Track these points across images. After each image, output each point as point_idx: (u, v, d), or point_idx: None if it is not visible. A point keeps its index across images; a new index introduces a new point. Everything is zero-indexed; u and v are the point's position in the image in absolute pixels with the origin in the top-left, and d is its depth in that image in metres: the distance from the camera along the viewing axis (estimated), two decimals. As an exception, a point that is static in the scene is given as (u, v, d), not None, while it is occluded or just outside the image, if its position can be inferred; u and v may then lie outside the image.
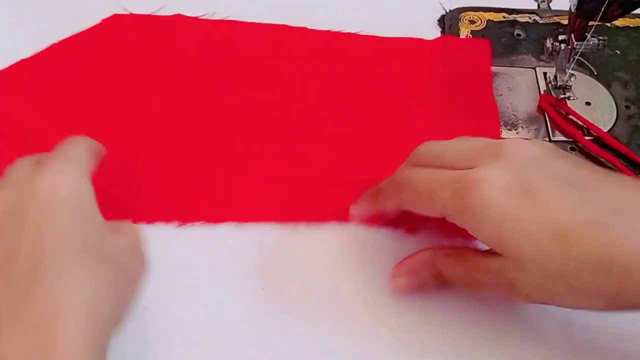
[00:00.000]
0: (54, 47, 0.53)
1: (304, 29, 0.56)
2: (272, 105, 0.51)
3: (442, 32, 0.59)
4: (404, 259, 0.43)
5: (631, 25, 0.60)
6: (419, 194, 0.39)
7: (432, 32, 0.59)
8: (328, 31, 0.56)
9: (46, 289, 0.33)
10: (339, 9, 0.60)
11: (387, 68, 0.54)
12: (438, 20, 0.60)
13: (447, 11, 0.60)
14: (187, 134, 0.49)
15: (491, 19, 0.60)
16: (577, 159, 0.39)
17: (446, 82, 0.53)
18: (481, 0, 0.61)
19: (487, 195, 0.36)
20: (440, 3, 0.60)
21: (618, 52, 0.58)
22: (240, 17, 0.58)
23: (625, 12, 0.47)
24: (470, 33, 0.58)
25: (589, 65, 0.56)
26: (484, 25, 0.59)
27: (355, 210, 0.45)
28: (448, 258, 0.41)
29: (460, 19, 0.59)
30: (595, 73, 0.56)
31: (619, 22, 0.59)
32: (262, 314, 0.43)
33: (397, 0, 0.61)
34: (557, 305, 0.37)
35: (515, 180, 0.36)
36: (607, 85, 0.55)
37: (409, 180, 0.40)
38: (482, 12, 0.60)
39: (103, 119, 0.49)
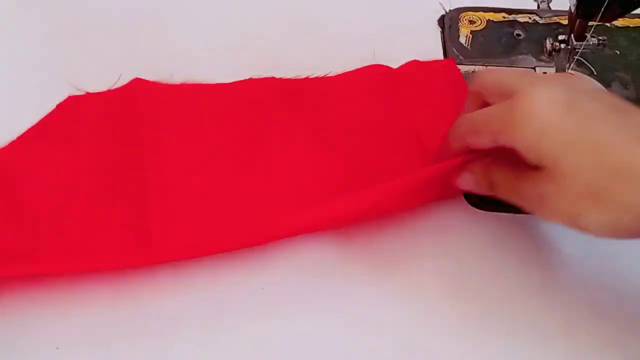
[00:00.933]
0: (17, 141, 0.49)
1: (267, 80, 0.53)
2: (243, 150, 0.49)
3: (442, 32, 0.59)
4: (464, 162, 0.44)
5: (631, 25, 0.60)
6: (476, 121, 0.41)
7: (432, 32, 0.59)
8: (295, 79, 0.54)
9: None
10: (338, 9, 0.60)
11: (356, 100, 0.53)
12: (438, 20, 0.60)
13: (447, 11, 0.60)
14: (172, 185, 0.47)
15: (491, 19, 0.60)
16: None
17: (428, 104, 0.52)
18: (481, 0, 0.61)
19: (532, 104, 0.37)
20: (440, 3, 0.60)
21: (618, 52, 0.58)
22: (241, 18, 0.58)
23: (625, 12, 0.47)
24: (470, 33, 0.58)
25: (589, 65, 0.56)
26: (483, 25, 0.59)
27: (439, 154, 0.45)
28: (500, 163, 0.42)
29: (460, 19, 0.59)
30: (595, 73, 0.56)
31: (619, 22, 0.59)
32: (262, 314, 0.43)
33: (397, 0, 0.61)
34: (580, 229, 0.38)
35: (561, 96, 0.38)
36: (607, 85, 0.55)
37: (467, 116, 0.43)
38: (482, 12, 0.60)
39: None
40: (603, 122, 0.37)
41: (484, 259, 0.46)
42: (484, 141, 0.41)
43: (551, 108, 0.37)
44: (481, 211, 0.47)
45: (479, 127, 0.41)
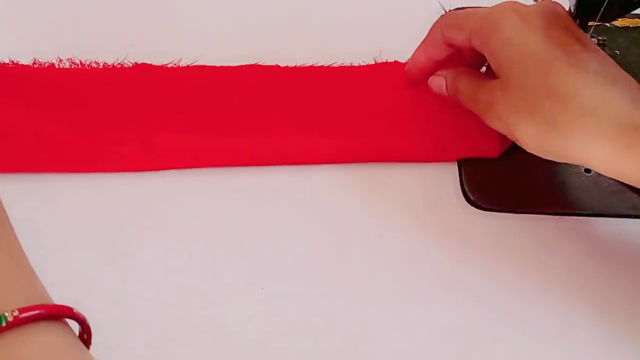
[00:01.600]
0: None
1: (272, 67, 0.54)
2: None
3: (442, 32, 0.59)
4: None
5: (631, 26, 0.59)
6: (459, 17, 0.47)
7: (432, 32, 0.59)
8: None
9: None
10: (338, 9, 0.60)
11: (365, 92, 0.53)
12: (438, 21, 0.60)
13: (447, 11, 0.60)
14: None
15: (491, 19, 0.60)
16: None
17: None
18: (481, 0, 0.61)
19: (506, 17, 0.43)
20: (440, 3, 0.60)
21: (618, 52, 0.57)
22: (241, 16, 0.58)
23: (625, 12, 0.47)
24: (470, 33, 0.58)
25: (589, 65, 0.56)
26: (484, 26, 0.59)
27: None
28: (468, 73, 0.47)
29: (460, 19, 0.59)
30: (595, 73, 0.56)
31: (619, 22, 0.59)
32: (262, 314, 0.43)
33: (397, 0, 0.61)
34: (514, 139, 0.42)
35: (536, 21, 0.42)
36: (607, 85, 0.55)
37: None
38: (482, 12, 0.60)
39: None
40: (559, 48, 0.41)
41: (484, 259, 0.46)
42: (460, 37, 0.45)
43: (520, 26, 0.42)
44: (481, 211, 0.47)
45: (460, 23, 0.46)
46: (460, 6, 0.60)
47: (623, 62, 0.56)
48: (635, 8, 0.47)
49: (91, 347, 0.32)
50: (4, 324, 0.29)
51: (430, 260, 0.45)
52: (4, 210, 0.34)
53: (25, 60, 0.51)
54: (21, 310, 0.29)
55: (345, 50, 0.56)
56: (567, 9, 0.47)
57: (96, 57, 0.52)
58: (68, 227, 0.45)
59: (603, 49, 0.52)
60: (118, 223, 0.46)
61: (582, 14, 0.48)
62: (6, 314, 0.29)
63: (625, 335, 0.42)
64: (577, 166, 0.50)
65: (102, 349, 0.33)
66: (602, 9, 0.46)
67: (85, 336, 0.32)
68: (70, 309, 0.31)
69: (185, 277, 0.44)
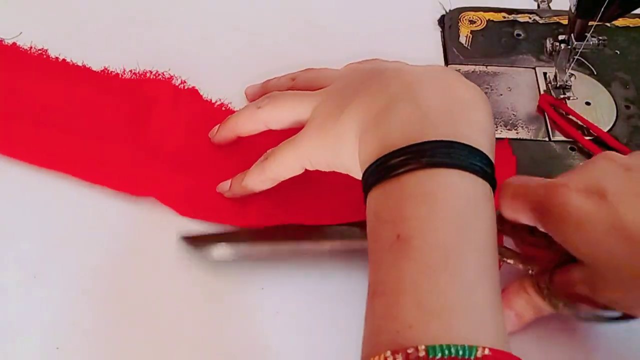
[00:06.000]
0: None
1: None
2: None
3: (442, 32, 0.59)
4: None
5: (631, 25, 0.60)
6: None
7: (432, 32, 0.59)
8: None
9: None
10: (338, 9, 0.60)
11: None
12: (438, 20, 0.60)
13: (447, 11, 0.60)
14: None
15: (491, 19, 0.60)
16: None
17: None
18: (481, 0, 0.61)
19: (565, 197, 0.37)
20: (440, 3, 0.60)
21: (618, 52, 0.58)
22: (241, 19, 0.58)
23: (625, 12, 0.47)
24: (470, 33, 0.58)
25: (589, 65, 0.56)
26: (483, 25, 0.59)
27: None
28: (539, 279, 0.40)
29: (460, 19, 0.59)
30: (595, 73, 0.56)
31: (619, 22, 0.59)
32: (262, 314, 0.43)
33: (397, 0, 0.61)
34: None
35: (592, 184, 0.37)
36: (607, 85, 0.55)
37: None
38: (482, 12, 0.60)
39: None
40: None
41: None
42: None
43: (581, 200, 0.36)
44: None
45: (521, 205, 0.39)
46: (460, 6, 0.60)
47: (623, 62, 0.57)
48: (635, 8, 0.47)
49: None
50: (473, 357, 0.29)
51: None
52: (495, 238, 0.34)
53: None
54: (491, 351, 0.29)
55: (345, 50, 0.56)
56: (568, 9, 0.47)
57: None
58: None
59: (603, 49, 0.52)
60: None
61: (582, 14, 0.48)
62: (479, 349, 0.29)
63: (625, 335, 0.42)
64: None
65: None
66: (602, 9, 0.46)
67: None
68: None
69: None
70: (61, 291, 0.43)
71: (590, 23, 0.49)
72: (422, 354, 0.29)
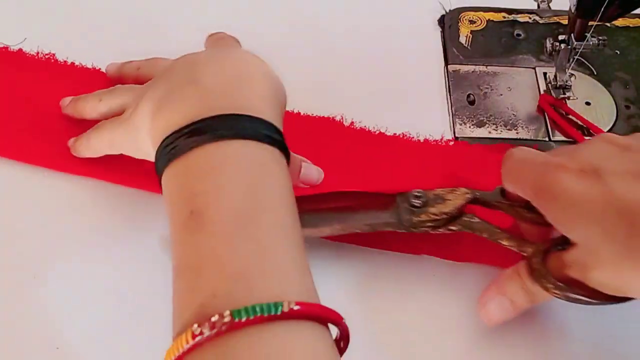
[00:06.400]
0: None
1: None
2: None
3: (442, 32, 0.59)
4: (488, 286, 0.41)
5: (631, 25, 0.60)
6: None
7: (432, 32, 0.59)
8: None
9: None
10: (338, 9, 0.60)
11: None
12: (438, 20, 0.60)
13: (447, 11, 0.60)
14: None
15: (491, 19, 0.60)
16: None
17: None
18: (481, 0, 0.61)
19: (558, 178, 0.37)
20: (440, 3, 0.60)
21: (618, 52, 0.58)
22: (240, 19, 0.58)
23: (625, 12, 0.47)
24: (470, 33, 0.58)
25: (589, 65, 0.56)
26: (483, 25, 0.59)
27: None
28: (532, 261, 0.39)
29: (460, 19, 0.59)
30: (595, 73, 0.56)
31: (619, 22, 0.59)
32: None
33: (397, 0, 0.61)
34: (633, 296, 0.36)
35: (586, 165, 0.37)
36: (607, 85, 0.55)
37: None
38: (482, 12, 0.60)
39: None
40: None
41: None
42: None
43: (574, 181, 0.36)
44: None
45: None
46: (460, 6, 0.60)
47: (623, 62, 0.57)
48: (635, 8, 0.47)
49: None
50: (279, 312, 0.29)
51: (429, 260, 0.45)
52: (293, 201, 0.35)
53: None
54: (298, 304, 0.29)
55: (345, 50, 0.56)
56: (568, 9, 0.47)
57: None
58: None
59: (603, 49, 0.52)
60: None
61: (582, 14, 0.48)
62: (284, 304, 0.29)
63: (624, 335, 0.42)
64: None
65: None
66: (602, 9, 0.46)
67: (342, 344, 0.32)
68: (341, 317, 0.31)
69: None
70: (61, 291, 0.43)
71: (590, 23, 0.49)
72: (227, 319, 0.29)
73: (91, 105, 0.47)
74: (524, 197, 0.40)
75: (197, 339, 0.29)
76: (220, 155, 0.35)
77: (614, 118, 0.53)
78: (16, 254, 0.44)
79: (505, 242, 0.41)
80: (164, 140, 0.36)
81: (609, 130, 0.52)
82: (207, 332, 0.29)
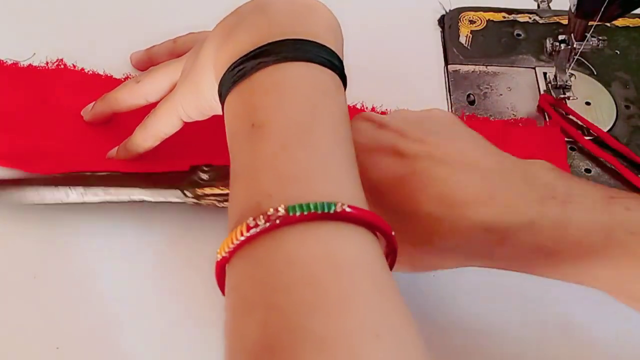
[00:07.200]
0: None
1: None
2: None
3: (442, 32, 0.59)
4: None
5: (631, 25, 0.60)
6: None
7: (432, 32, 0.59)
8: None
9: None
10: (338, 9, 0.60)
11: None
12: (438, 20, 0.60)
13: (447, 11, 0.60)
14: None
15: (491, 19, 0.60)
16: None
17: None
18: (481, 0, 0.61)
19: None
20: (440, 3, 0.60)
21: (618, 52, 0.58)
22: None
23: (625, 12, 0.47)
24: (470, 33, 0.59)
25: (589, 65, 0.56)
26: (483, 25, 0.59)
27: None
28: None
29: (460, 19, 0.59)
30: (595, 73, 0.56)
31: (619, 22, 0.59)
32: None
33: (397, 0, 0.61)
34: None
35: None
36: (607, 85, 0.55)
37: None
38: (482, 12, 0.60)
39: None
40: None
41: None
42: None
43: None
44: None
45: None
46: (460, 6, 0.60)
47: (623, 62, 0.57)
48: (635, 8, 0.47)
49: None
50: (332, 211, 0.29)
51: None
52: (348, 120, 0.36)
53: None
54: (351, 207, 0.30)
55: (345, 50, 0.56)
56: (568, 9, 0.47)
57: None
58: None
59: (603, 49, 0.52)
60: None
61: (582, 14, 0.48)
62: (337, 204, 0.30)
63: (624, 335, 0.42)
64: (577, 166, 0.50)
65: None
66: (602, 9, 0.46)
67: (389, 259, 0.33)
68: (391, 229, 0.32)
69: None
70: (61, 291, 0.43)
71: (590, 23, 0.49)
72: (281, 212, 0.29)
73: (129, 91, 0.47)
74: None
75: (252, 231, 0.30)
76: (283, 75, 0.35)
77: (614, 118, 0.53)
78: (16, 253, 0.44)
79: None
80: (230, 66, 0.37)
81: (609, 131, 0.52)
82: (261, 225, 0.29)
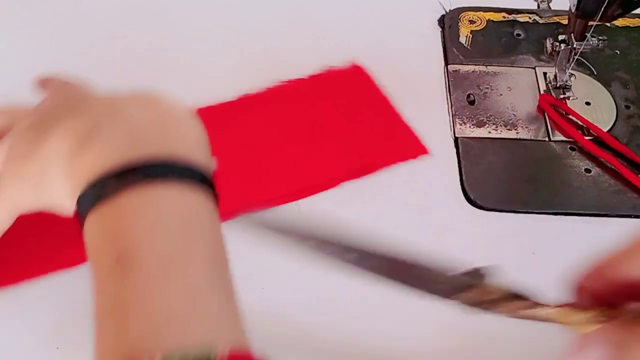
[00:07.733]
0: None
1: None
2: None
3: (442, 32, 0.59)
4: None
5: (631, 25, 0.60)
6: None
7: (432, 32, 0.59)
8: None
9: None
10: (338, 9, 0.60)
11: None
12: (438, 20, 0.60)
13: (447, 11, 0.60)
14: None
15: (491, 19, 0.60)
16: None
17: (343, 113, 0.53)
18: (481, 0, 0.61)
19: None
20: (440, 3, 0.60)
21: (618, 52, 0.58)
22: (241, 18, 0.58)
23: (625, 12, 0.47)
24: (470, 33, 0.59)
25: (589, 65, 0.56)
26: (483, 25, 0.59)
27: None
28: None
29: (460, 19, 0.59)
30: (595, 73, 0.56)
31: (619, 22, 0.59)
32: (263, 314, 0.43)
33: (397, 0, 0.61)
34: None
35: None
36: (607, 85, 0.55)
37: None
38: (482, 12, 0.60)
39: None
40: None
41: (484, 258, 0.46)
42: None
43: None
44: (481, 211, 0.47)
45: None
46: (460, 6, 0.60)
47: (623, 62, 0.57)
48: (635, 8, 0.47)
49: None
50: (212, 358, 0.27)
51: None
52: (224, 247, 0.34)
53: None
54: (232, 351, 0.28)
55: (345, 50, 0.56)
56: (568, 9, 0.47)
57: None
58: None
59: (603, 49, 0.52)
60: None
61: (582, 14, 0.48)
62: (217, 350, 0.28)
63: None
64: (577, 166, 0.50)
65: None
66: (602, 9, 0.46)
67: None
68: None
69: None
70: (61, 291, 0.43)
71: (590, 23, 0.49)
72: None
73: None
74: None
75: None
76: (152, 199, 0.33)
77: (614, 118, 0.53)
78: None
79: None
80: (92, 183, 0.33)
81: (609, 131, 0.52)
82: None
